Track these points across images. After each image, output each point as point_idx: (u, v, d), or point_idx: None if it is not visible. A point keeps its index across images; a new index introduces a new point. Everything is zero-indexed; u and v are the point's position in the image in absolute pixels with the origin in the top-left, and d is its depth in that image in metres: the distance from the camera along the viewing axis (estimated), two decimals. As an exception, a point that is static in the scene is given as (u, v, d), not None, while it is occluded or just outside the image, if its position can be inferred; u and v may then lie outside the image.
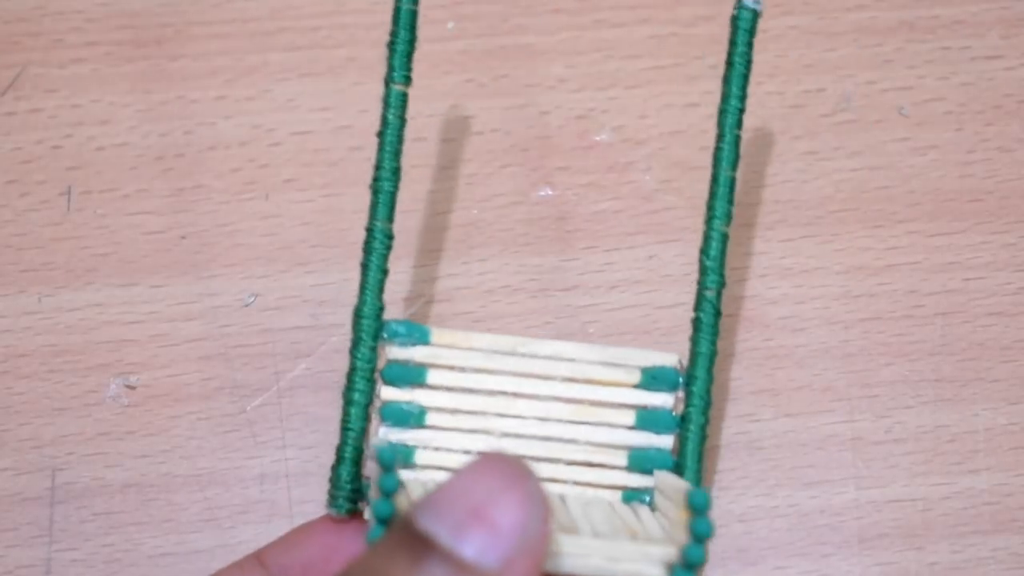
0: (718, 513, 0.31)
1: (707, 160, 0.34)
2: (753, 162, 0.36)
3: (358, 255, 0.33)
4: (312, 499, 0.32)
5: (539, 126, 0.36)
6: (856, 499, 0.32)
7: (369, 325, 0.29)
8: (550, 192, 0.35)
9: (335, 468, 0.29)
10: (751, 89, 0.35)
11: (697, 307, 0.29)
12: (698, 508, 0.25)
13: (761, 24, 0.35)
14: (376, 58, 0.35)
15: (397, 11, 0.29)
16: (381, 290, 0.29)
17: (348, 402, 0.29)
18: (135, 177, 0.35)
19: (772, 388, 0.33)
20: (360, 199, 0.33)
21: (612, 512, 0.28)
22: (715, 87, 0.35)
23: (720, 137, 0.29)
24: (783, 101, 0.37)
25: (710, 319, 0.29)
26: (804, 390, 0.33)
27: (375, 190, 0.29)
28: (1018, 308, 0.34)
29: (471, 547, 0.24)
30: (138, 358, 0.34)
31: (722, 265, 0.29)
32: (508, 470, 0.24)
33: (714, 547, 0.30)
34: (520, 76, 0.37)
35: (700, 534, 0.25)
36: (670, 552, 0.25)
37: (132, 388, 0.33)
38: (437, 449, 0.29)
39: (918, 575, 0.31)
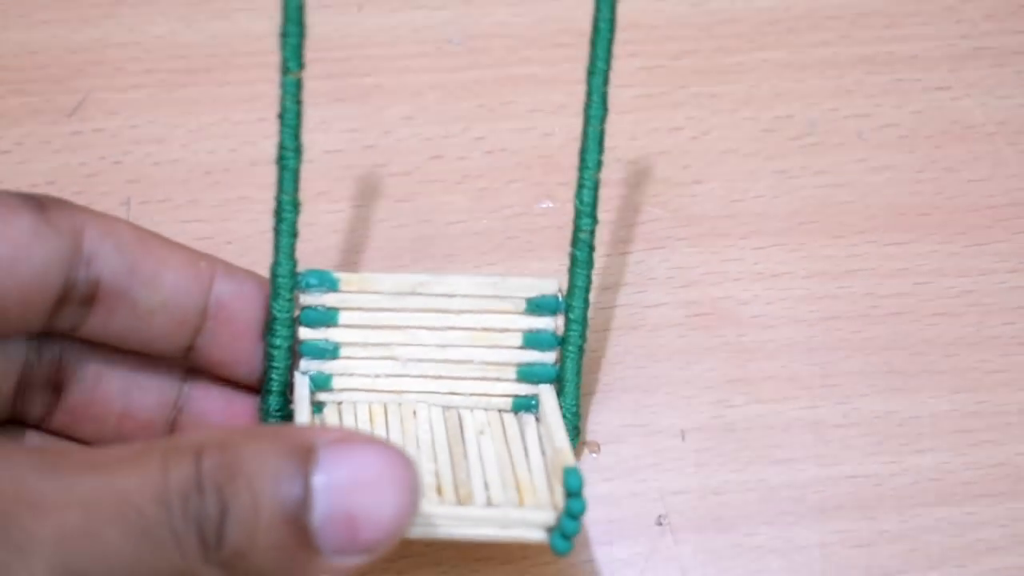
0: (697, 487, 0.31)
1: (689, 177, 0.36)
2: (729, 179, 0.36)
3: (381, 259, 0.35)
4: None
5: (542, 146, 0.37)
6: (817, 475, 0.31)
7: (284, 280, 0.29)
8: (551, 204, 0.35)
9: (263, 399, 0.30)
10: (728, 114, 0.37)
11: (573, 245, 0.29)
12: (572, 491, 0.26)
13: (737, 58, 0.38)
14: (398, 85, 0.38)
15: (286, 7, 0.27)
16: (292, 251, 0.29)
17: (272, 346, 0.29)
18: (186, 189, 0.36)
19: (744, 378, 0.33)
20: (384, 210, 0.36)
21: (504, 453, 0.29)
22: (697, 113, 0.38)
23: (589, 95, 0.29)
24: (756, 126, 0.37)
25: (585, 255, 0.30)
26: (772, 380, 0.33)
27: (281, 167, 0.28)
28: (961, 309, 0.34)
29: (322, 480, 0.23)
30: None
31: (594, 209, 0.29)
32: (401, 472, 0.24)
33: (693, 516, 0.31)
34: (525, 102, 0.37)
35: (574, 512, 0.26)
36: (550, 517, 0.26)
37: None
38: (351, 375, 0.30)
39: (870, 541, 0.31)
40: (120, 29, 0.39)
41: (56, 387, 0.29)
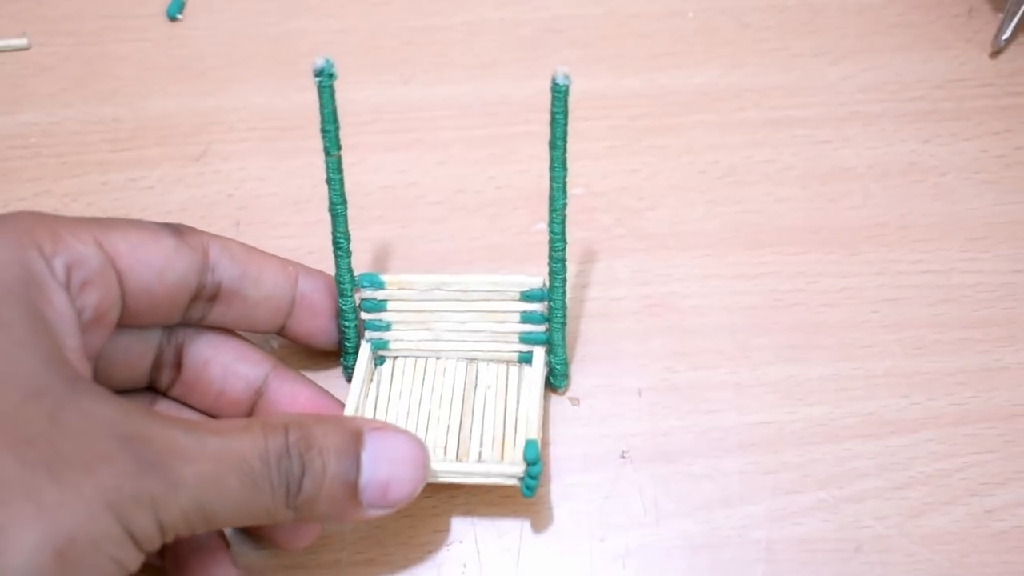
0: (650, 430, 0.32)
1: (644, 206, 0.38)
2: (673, 207, 0.38)
3: (420, 264, 0.36)
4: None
5: (538, 184, 0.36)
6: (737, 422, 0.33)
7: (346, 285, 0.32)
8: (544, 226, 0.33)
9: (344, 359, 0.33)
10: (672, 160, 0.39)
11: (551, 260, 0.31)
12: (529, 460, 0.29)
13: (679, 120, 0.40)
14: (433, 139, 0.39)
15: (323, 111, 0.29)
16: (349, 266, 0.31)
17: (343, 327, 0.32)
18: (280, 214, 0.38)
19: (685, 351, 0.34)
20: (424, 229, 0.37)
21: (500, 408, 0.31)
22: (651, 160, 0.39)
23: (552, 162, 0.29)
24: (693, 168, 0.39)
25: (559, 267, 0.31)
26: (705, 352, 0.34)
27: (333, 215, 0.31)
28: (839, 302, 0.35)
29: (367, 458, 0.26)
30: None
31: (563, 235, 0.31)
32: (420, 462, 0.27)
33: (647, 452, 0.32)
34: (526, 151, 0.39)
35: (532, 474, 0.29)
36: (519, 470, 0.29)
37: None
38: (400, 341, 0.33)
39: (775, 470, 0.31)
40: (232, 99, 0.41)
41: (177, 366, 0.31)
